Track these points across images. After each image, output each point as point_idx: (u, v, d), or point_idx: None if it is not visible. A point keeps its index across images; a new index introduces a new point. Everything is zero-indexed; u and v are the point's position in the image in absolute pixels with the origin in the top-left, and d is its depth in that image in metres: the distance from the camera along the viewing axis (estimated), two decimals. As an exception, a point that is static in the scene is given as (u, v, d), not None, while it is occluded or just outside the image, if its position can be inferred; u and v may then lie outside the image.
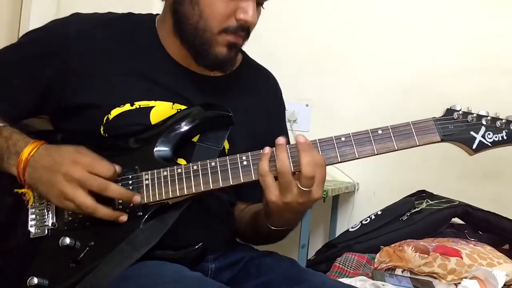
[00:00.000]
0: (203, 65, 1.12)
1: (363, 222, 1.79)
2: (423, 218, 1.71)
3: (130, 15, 1.19)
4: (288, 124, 1.35)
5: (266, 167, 0.95)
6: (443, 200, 1.81)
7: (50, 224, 1.03)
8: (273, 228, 1.05)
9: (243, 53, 1.28)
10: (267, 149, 0.97)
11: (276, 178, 0.96)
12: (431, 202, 1.80)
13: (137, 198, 1.00)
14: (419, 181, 2.00)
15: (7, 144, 1.04)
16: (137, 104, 1.09)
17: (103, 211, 0.98)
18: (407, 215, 1.75)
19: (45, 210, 1.04)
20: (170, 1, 1.11)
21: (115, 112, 1.08)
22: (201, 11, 1.06)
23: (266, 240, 1.20)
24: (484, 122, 1.01)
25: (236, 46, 1.10)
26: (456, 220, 1.78)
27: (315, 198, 0.96)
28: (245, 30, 1.08)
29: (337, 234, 1.89)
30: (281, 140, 0.96)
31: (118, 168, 1.01)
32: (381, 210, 1.81)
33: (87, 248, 1.00)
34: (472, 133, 1.01)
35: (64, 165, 0.98)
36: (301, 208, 0.98)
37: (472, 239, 1.66)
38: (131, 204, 1.01)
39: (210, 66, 1.12)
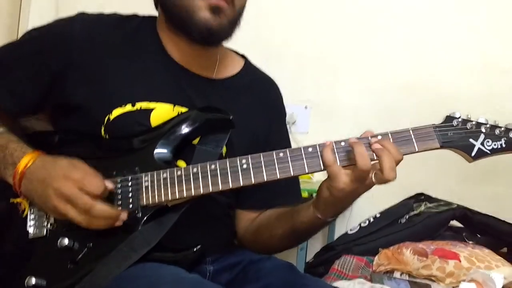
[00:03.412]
0: (196, 37, 1.10)
1: (362, 224, 1.78)
2: (421, 221, 1.70)
3: (134, 16, 1.20)
4: (287, 126, 1.35)
5: (330, 157, 0.95)
6: (442, 203, 1.80)
7: (48, 225, 1.03)
8: (326, 219, 1.05)
9: (245, 58, 1.28)
10: (328, 142, 0.97)
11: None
12: (429, 205, 1.79)
13: (123, 215, 0.98)
14: (417, 184, 2.00)
15: (3, 153, 1.03)
16: (138, 105, 1.09)
17: (97, 224, 0.97)
18: (405, 218, 1.74)
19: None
20: None
21: (116, 112, 1.08)
22: None
23: (300, 239, 1.20)
24: (483, 130, 1.01)
25: (219, 9, 1.07)
26: (455, 223, 1.78)
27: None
28: None
29: (336, 237, 1.88)
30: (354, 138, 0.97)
31: (109, 184, 0.99)
32: (379, 213, 1.81)
33: (86, 249, 1.00)
34: (471, 140, 1.01)
35: (56, 180, 0.96)
36: (362, 192, 0.99)
37: (470, 242, 1.66)
38: (130, 205, 1.01)
39: (201, 38, 1.10)
